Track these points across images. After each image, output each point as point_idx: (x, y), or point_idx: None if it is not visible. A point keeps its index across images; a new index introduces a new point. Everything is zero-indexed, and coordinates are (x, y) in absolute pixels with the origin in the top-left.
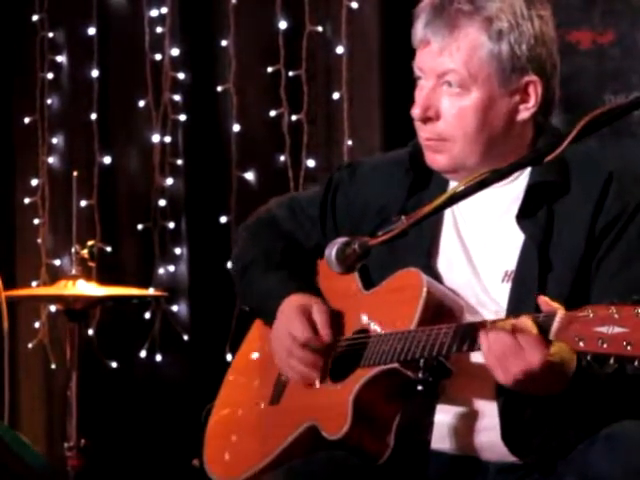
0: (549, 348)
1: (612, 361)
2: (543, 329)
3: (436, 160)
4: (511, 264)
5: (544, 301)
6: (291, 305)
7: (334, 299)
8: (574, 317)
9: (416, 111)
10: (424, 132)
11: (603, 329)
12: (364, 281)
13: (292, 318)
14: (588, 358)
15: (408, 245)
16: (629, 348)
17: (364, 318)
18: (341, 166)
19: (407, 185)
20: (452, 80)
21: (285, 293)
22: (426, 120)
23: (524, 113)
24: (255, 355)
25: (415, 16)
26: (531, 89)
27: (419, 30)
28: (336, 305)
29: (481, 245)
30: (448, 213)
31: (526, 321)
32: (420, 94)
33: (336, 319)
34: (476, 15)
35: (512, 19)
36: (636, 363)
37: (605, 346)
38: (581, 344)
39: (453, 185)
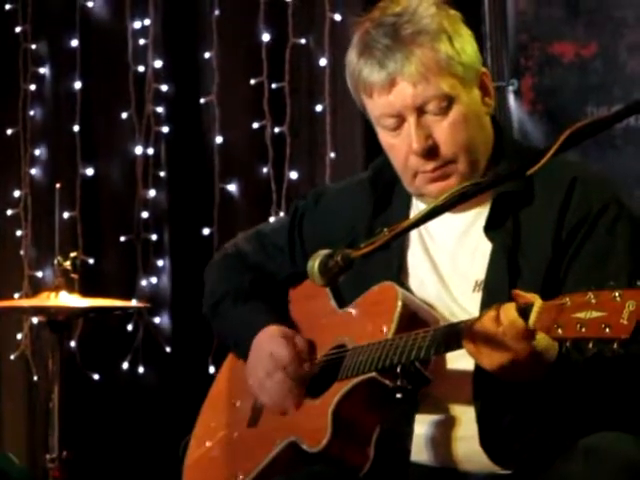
0: (533, 336)
1: (591, 345)
2: (522, 318)
3: (448, 185)
4: (481, 274)
5: (518, 294)
6: (272, 331)
7: (310, 323)
8: (552, 305)
9: (416, 146)
10: (428, 165)
11: (581, 314)
12: (338, 302)
13: (275, 341)
14: (567, 345)
15: (378, 265)
16: (607, 330)
17: (340, 335)
18: (305, 195)
19: (371, 207)
20: (433, 105)
21: (260, 324)
22: (428, 152)
23: (489, 105)
24: (232, 382)
25: (355, 64)
26: (486, 80)
27: (374, 75)
28: (312, 328)
29: (449, 258)
30: (414, 230)
31: (509, 310)
32: (408, 133)
33: (313, 341)
34: (423, 33)
35: (447, 24)
36: (615, 345)
37: (584, 330)
38: (559, 331)
39: (416, 202)
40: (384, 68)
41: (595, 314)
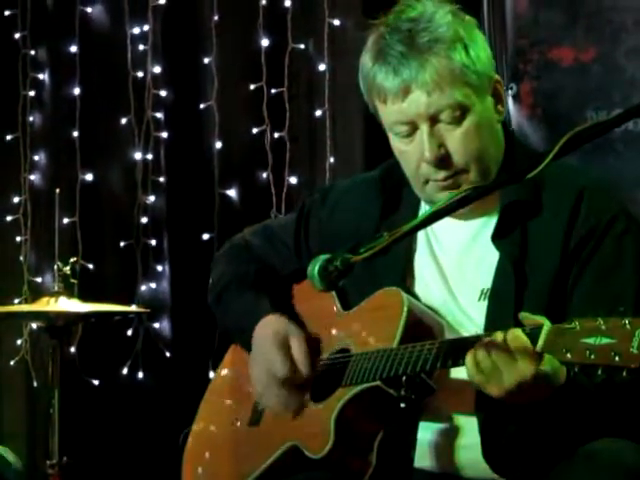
0: (540, 359)
1: (600, 372)
2: (530, 342)
3: None
4: (487, 282)
5: (526, 316)
6: (268, 332)
7: (313, 321)
8: (561, 329)
9: (429, 155)
10: (440, 173)
11: (590, 340)
12: (342, 303)
13: (270, 351)
14: (576, 369)
15: (384, 268)
16: (617, 359)
17: (344, 338)
18: (313, 192)
19: (379, 208)
20: (447, 114)
21: (261, 313)
22: (440, 160)
23: (501, 113)
24: (233, 377)
25: (369, 68)
26: (499, 87)
27: (389, 81)
28: (315, 327)
29: (456, 265)
30: (421, 235)
31: (518, 333)
32: (420, 141)
33: (315, 341)
34: (439, 42)
35: (463, 32)
36: (624, 373)
37: (593, 357)
38: (568, 355)
39: (424, 206)
40: (398, 75)
41: (605, 340)
